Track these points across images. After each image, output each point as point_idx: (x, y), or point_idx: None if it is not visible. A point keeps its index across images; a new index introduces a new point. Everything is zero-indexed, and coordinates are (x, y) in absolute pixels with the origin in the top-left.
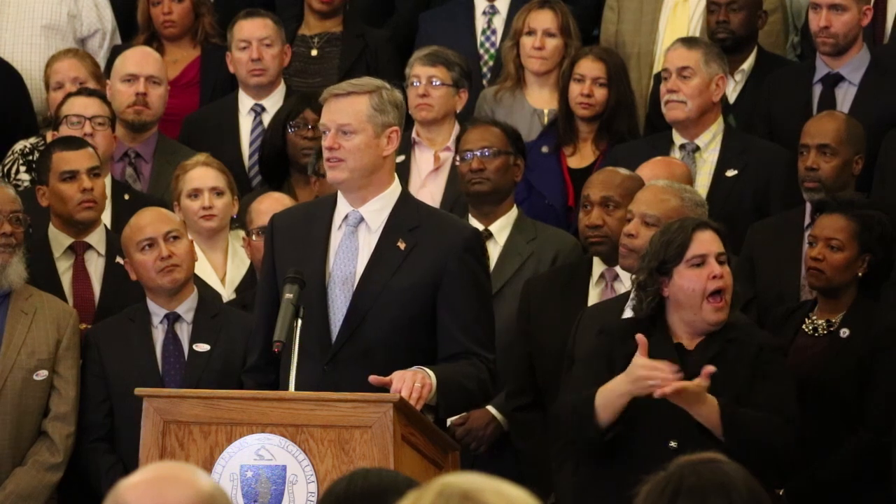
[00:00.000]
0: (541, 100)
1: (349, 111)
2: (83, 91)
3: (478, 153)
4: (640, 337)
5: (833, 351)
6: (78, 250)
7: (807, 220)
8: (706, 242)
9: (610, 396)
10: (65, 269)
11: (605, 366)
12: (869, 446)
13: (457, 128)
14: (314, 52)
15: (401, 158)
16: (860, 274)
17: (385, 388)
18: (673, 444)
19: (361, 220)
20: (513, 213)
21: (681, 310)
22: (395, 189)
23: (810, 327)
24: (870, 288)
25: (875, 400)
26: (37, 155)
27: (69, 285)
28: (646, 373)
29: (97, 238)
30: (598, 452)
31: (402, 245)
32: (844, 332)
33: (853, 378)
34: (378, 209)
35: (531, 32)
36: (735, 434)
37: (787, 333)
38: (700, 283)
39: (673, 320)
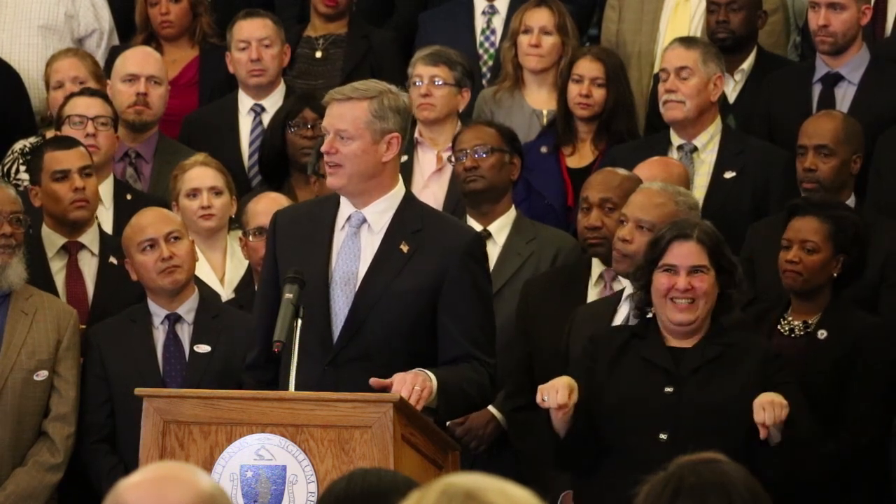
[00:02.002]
0: (540, 100)
1: (347, 117)
2: (85, 91)
3: (471, 152)
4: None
5: (811, 352)
6: (71, 250)
7: None
8: (681, 255)
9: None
10: (58, 268)
11: (583, 379)
12: (848, 448)
13: (459, 127)
14: (318, 54)
15: (403, 159)
16: (835, 274)
17: (385, 391)
18: (663, 436)
19: (364, 221)
20: (511, 213)
21: (657, 311)
22: (398, 191)
23: (786, 328)
24: (842, 288)
25: (854, 401)
26: (31, 156)
27: (62, 285)
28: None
29: (90, 238)
30: (584, 449)
31: (404, 248)
32: (822, 334)
33: (831, 379)
34: (381, 211)
35: (528, 31)
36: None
37: (763, 333)
38: (663, 289)
39: (661, 320)
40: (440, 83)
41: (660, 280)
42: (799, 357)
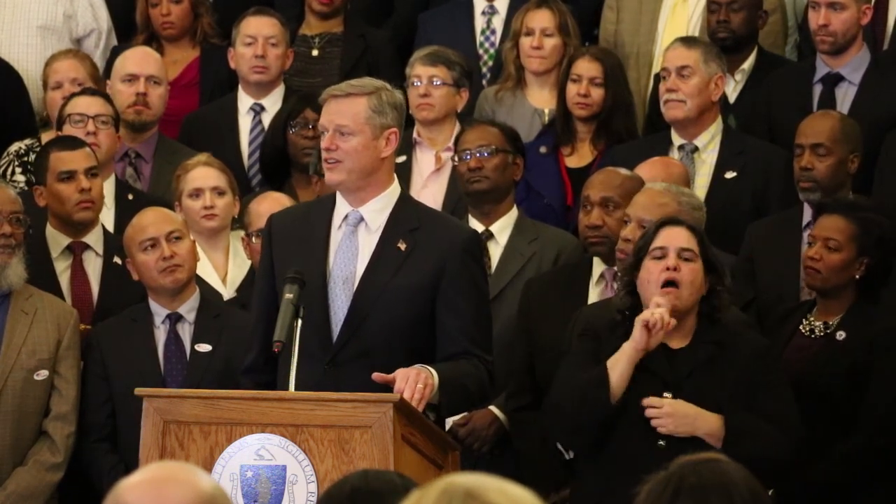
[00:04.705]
0: (541, 99)
1: (347, 112)
2: (87, 91)
3: (475, 152)
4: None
5: (828, 353)
6: (76, 250)
7: (805, 220)
8: (670, 236)
9: (619, 361)
10: (63, 269)
11: (594, 361)
12: (861, 448)
13: (458, 128)
14: (315, 53)
15: (402, 159)
16: (857, 276)
17: (388, 387)
18: (662, 443)
19: (361, 219)
20: (513, 213)
21: (644, 304)
22: (394, 190)
23: (807, 329)
24: (870, 292)
25: (869, 402)
26: (32, 156)
27: (67, 286)
28: (646, 315)
29: (95, 238)
30: (601, 433)
31: (402, 246)
32: (841, 335)
33: (847, 381)
34: (378, 209)
35: (529, 32)
36: (736, 446)
37: (785, 334)
38: (655, 273)
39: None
40: (438, 83)
41: (649, 269)
42: (817, 358)
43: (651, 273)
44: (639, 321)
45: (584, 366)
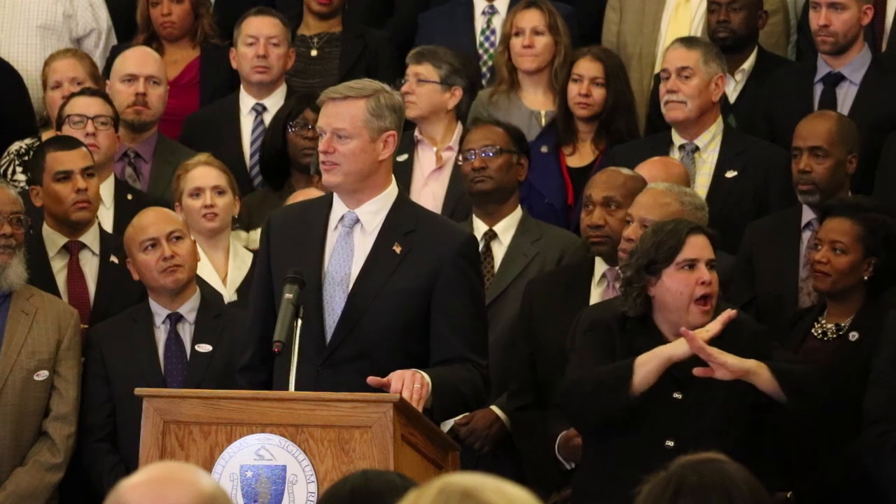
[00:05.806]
0: (536, 101)
1: (345, 115)
2: (86, 91)
3: (480, 152)
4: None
5: (842, 354)
6: (72, 250)
7: (805, 219)
8: (698, 247)
9: (649, 362)
10: (59, 268)
11: (608, 353)
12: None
13: (460, 127)
14: (314, 53)
15: (403, 157)
16: (866, 277)
17: (383, 389)
18: (670, 443)
19: (357, 221)
20: (517, 213)
21: (666, 311)
22: (391, 191)
23: (819, 331)
24: (879, 291)
25: None
26: (32, 155)
27: (64, 285)
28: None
29: (92, 237)
30: (616, 423)
31: (397, 249)
32: (854, 336)
33: (862, 381)
34: (374, 211)
35: (519, 32)
36: (793, 389)
37: (797, 337)
38: (688, 286)
39: (659, 320)
40: (423, 80)
41: (678, 280)
42: (831, 360)
43: (683, 285)
44: (693, 336)
45: (599, 359)
